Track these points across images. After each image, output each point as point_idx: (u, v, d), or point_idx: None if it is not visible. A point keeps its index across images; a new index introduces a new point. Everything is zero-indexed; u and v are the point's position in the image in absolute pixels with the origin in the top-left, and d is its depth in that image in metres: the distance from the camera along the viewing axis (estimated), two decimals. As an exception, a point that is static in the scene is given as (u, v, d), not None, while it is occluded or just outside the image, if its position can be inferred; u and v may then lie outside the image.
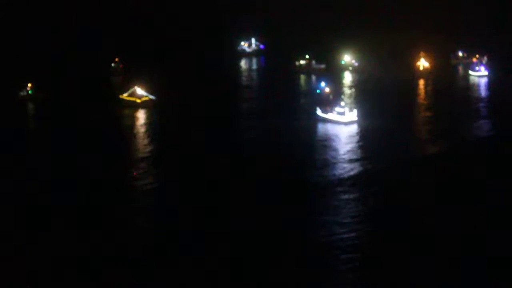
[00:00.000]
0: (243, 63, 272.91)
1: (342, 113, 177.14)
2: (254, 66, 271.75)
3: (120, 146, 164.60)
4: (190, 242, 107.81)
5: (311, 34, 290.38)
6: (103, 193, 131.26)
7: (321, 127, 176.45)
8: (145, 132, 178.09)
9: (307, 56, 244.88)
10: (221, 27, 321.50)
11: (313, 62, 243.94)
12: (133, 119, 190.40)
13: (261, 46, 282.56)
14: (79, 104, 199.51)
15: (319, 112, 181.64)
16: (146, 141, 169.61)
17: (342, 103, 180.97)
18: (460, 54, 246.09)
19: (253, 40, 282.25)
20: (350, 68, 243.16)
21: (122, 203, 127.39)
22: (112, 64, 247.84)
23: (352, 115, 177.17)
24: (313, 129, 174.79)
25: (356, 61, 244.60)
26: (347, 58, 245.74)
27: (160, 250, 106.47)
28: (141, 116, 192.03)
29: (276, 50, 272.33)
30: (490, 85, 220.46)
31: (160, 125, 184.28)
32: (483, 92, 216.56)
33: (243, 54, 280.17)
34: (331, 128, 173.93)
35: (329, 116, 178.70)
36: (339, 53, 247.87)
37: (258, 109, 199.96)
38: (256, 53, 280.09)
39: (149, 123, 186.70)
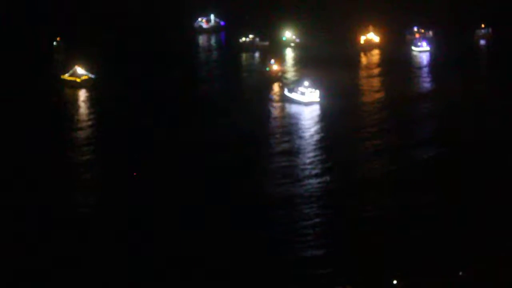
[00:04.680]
0: (200, 41, 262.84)
1: (303, 93, 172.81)
2: (212, 44, 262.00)
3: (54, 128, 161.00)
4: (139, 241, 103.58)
5: (259, 10, 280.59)
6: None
7: (277, 111, 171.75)
8: (79, 115, 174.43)
9: (250, 33, 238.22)
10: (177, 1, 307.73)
11: (257, 39, 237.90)
12: (71, 99, 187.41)
13: (222, 23, 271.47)
14: (20, 83, 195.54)
15: (285, 91, 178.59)
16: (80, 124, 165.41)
17: (306, 83, 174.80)
18: (415, 29, 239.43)
19: (212, 16, 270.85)
20: (292, 44, 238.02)
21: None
22: (54, 43, 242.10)
23: (314, 95, 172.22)
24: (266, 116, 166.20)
25: (297, 37, 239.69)
26: (288, 34, 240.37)
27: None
28: (79, 96, 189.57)
29: (236, 26, 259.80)
30: (430, 61, 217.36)
31: (94, 107, 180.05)
32: (416, 68, 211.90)
33: (200, 30, 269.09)
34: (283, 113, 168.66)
35: (292, 95, 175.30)
36: (281, 29, 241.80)
37: (209, 90, 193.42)
38: (215, 30, 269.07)
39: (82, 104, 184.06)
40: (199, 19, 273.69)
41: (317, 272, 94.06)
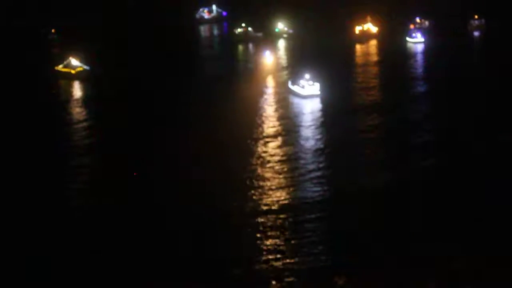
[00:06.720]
0: (201, 31, 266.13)
1: (303, 87, 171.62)
2: (214, 34, 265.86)
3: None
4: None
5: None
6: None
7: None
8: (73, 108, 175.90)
9: (244, 24, 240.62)
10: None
11: (250, 30, 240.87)
12: (66, 92, 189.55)
13: (223, 13, 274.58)
14: (15, 76, 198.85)
15: (288, 84, 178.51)
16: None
17: (307, 76, 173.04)
18: (418, 19, 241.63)
19: (214, 7, 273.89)
20: (285, 35, 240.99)
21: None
22: (49, 37, 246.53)
23: (314, 88, 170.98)
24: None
25: (290, 28, 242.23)
26: (281, 26, 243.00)
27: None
28: (74, 88, 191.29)
29: (238, 17, 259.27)
30: (424, 53, 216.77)
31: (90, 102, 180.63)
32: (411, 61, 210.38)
33: (202, 20, 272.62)
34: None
35: (294, 88, 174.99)
36: (274, 20, 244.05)
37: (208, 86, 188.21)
38: (217, 20, 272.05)
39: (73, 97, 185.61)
40: (201, 9, 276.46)
41: (316, 267, 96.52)
